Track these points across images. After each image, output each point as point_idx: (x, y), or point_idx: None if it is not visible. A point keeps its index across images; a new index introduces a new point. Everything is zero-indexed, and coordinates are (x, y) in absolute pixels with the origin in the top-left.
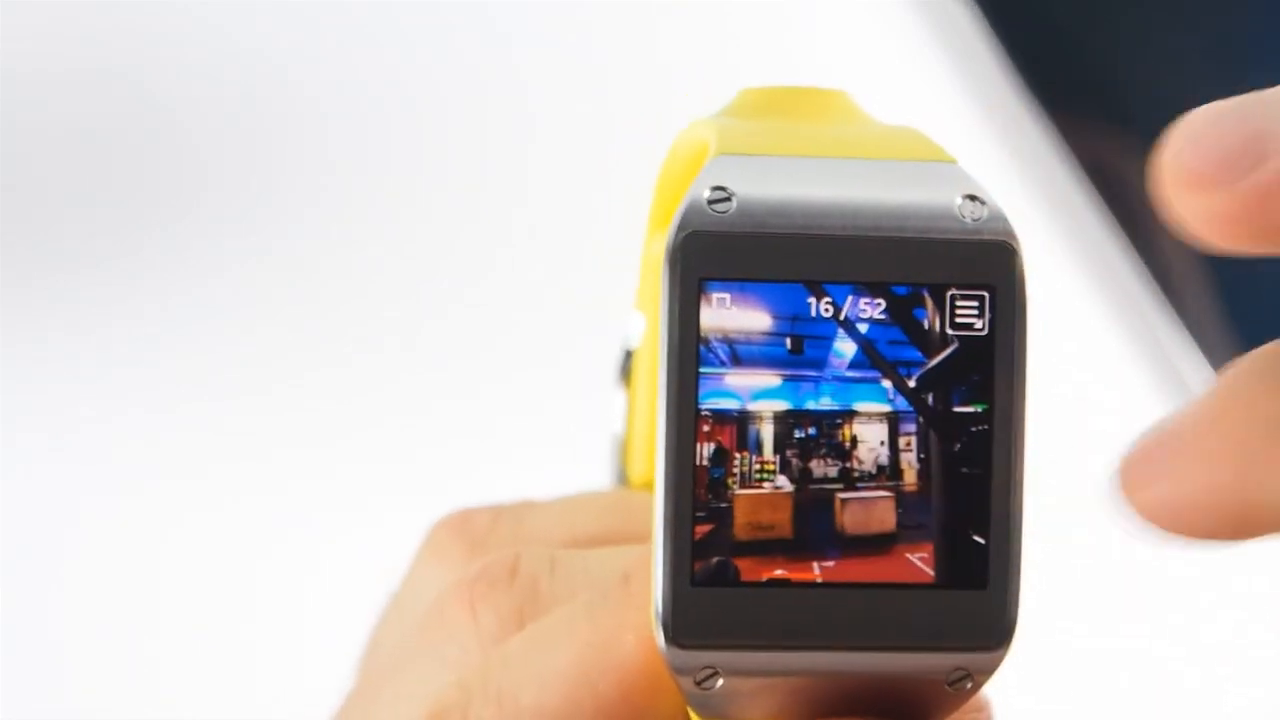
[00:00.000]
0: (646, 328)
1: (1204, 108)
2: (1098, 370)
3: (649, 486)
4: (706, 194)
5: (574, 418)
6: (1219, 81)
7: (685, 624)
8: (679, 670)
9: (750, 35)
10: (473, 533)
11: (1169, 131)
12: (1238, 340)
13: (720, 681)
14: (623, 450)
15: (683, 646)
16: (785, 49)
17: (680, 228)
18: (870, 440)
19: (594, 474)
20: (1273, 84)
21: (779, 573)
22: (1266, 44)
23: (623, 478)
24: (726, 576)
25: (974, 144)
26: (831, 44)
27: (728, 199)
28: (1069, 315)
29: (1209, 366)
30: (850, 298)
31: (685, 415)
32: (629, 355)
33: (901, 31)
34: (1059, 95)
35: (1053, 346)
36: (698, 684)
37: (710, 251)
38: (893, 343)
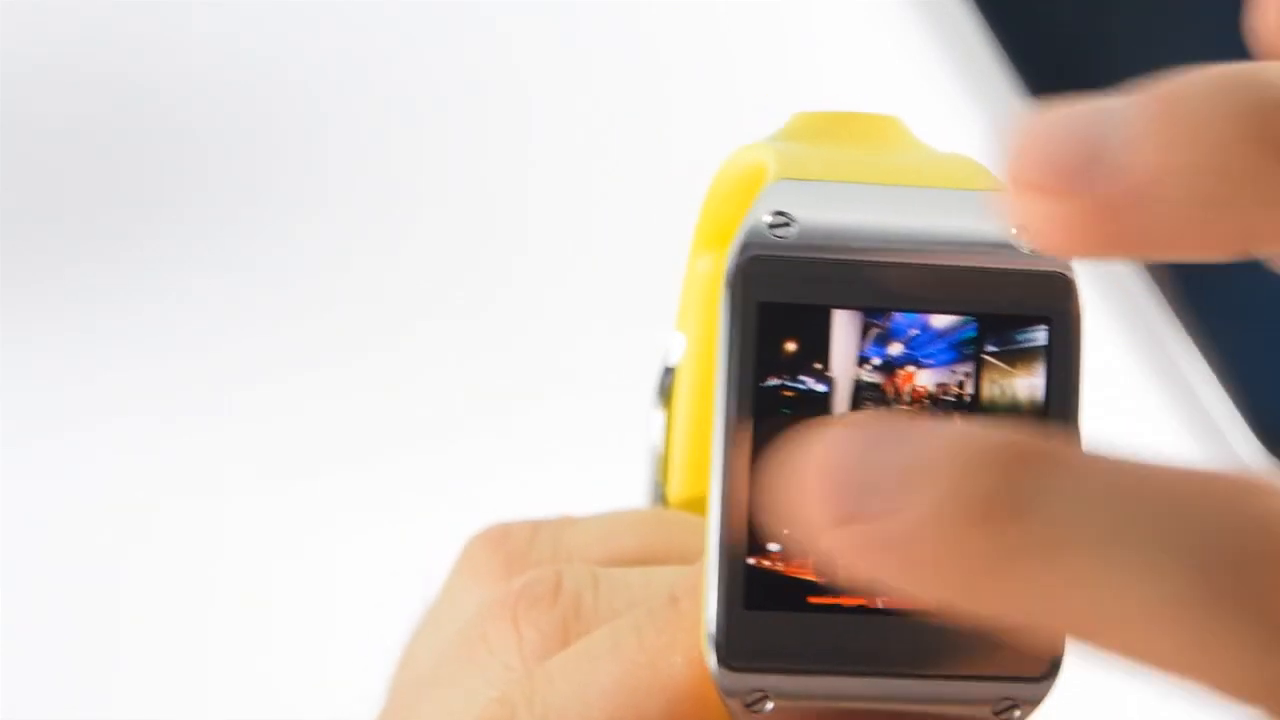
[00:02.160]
0: (687, 347)
1: (1048, 110)
2: (1100, 375)
3: (688, 505)
4: (767, 218)
5: (612, 435)
6: None
7: (737, 646)
8: (729, 692)
9: (752, 39)
10: (511, 548)
11: (1011, 131)
12: (1238, 341)
13: (770, 705)
14: (661, 468)
15: (733, 669)
16: (786, 52)
17: (741, 250)
18: None
19: (630, 492)
20: None
21: (831, 597)
22: None
23: (660, 496)
24: (779, 600)
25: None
26: (831, 46)
27: (788, 223)
28: None
29: (1210, 369)
30: (909, 326)
31: (741, 437)
32: (668, 373)
33: (901, 32)
34: (1059, 96)
35: None
36: (747, 706)
37: (770, 275)
38: (950, 372)
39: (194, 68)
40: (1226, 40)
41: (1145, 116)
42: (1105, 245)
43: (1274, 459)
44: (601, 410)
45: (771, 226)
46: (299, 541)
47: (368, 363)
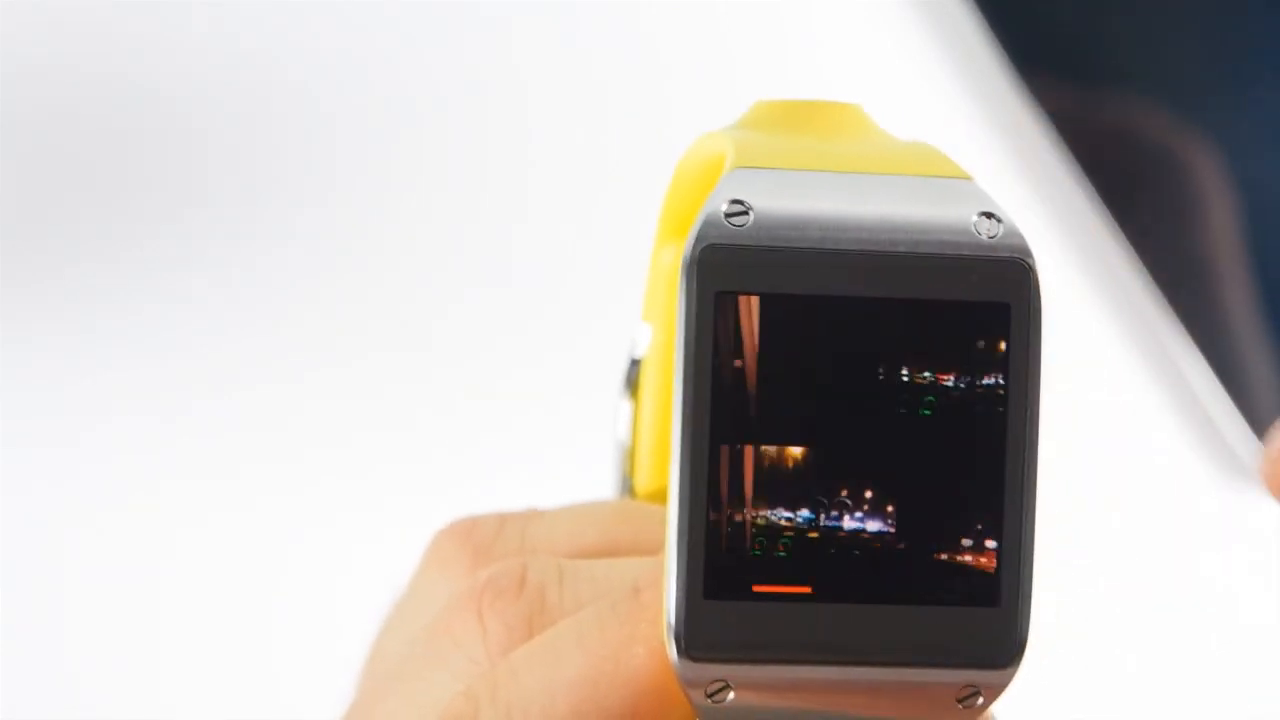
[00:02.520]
0: (654, 337)
1: None
2: (1100, 375)
3: (654, 497)
4: (724, 207)
5: (578, 426)
6: (1220, 80)
7: (698, 637)
8: (690, 683)
9: (750, 37)
10: (478, 541)
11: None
12: (1240, 344)
13: (731, 695)
14: (628, 460)
15: (695, 659)
16: (786, 51)
17: (698, 240)
18: (885, 455)
19: (598, 483)
20: (1273, 84)
21: (791, 586)
22: (1266, 44)
23: (628, 487)
24: (740, 590)
25: (974, 143)
26: (832, 46)
27: (745, 212)
28: (1069, 317)
29: (1212, 372)
30: (866, 314)
31: (700, 427)
32: (635, 365)
33: (901, 32)
34: (1059, 96)
35: (1053, 350)
36: (709, 697)
37: (727, 264)
38: (908, 359)
39: (194, 68)
40: (1226, 40)
41: None
42: None
43: None
44: (570, 402)
45: (728, 215)
46: (279, 541)
47: (349, 364)
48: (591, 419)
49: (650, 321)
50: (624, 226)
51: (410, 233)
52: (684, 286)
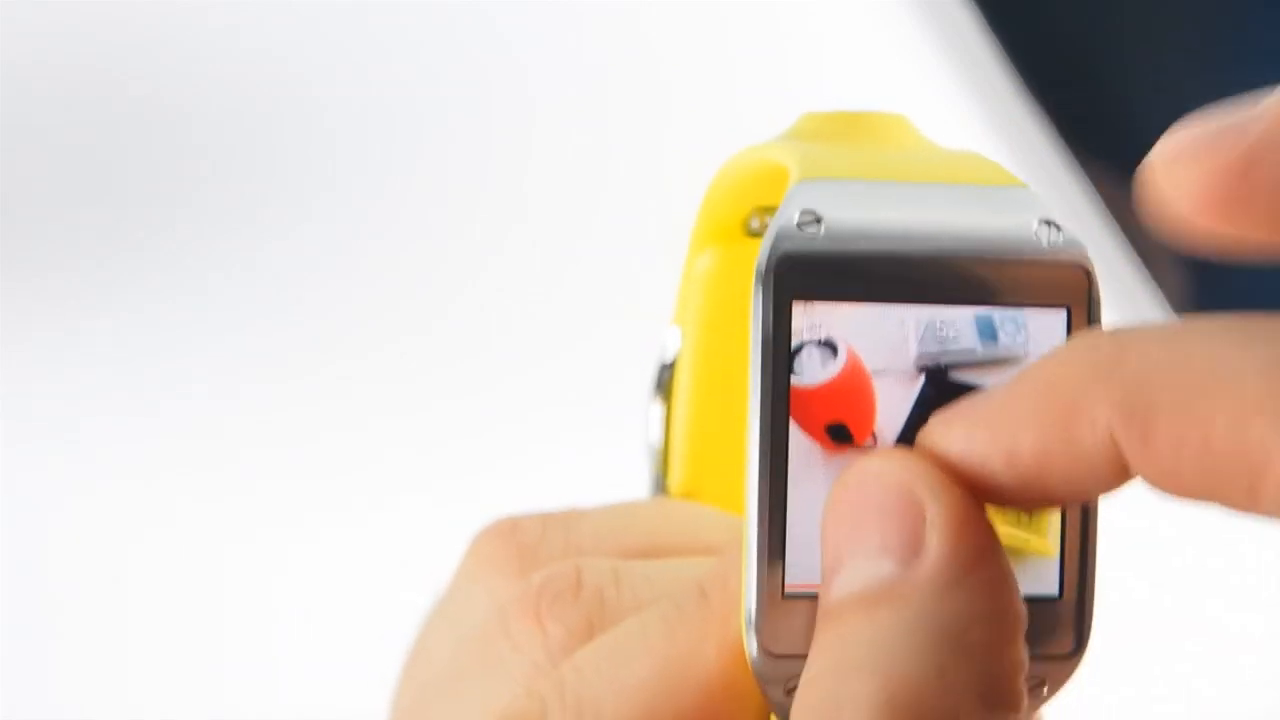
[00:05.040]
0: (686, 341)
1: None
2: None
3: (689, 496)
4: (797, 217)
5: (607, 426)
6: (1220, 79)
7: (777, 633)
8: (768, 680)
9: (752, 40)
10: (522, 541)
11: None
12: None
13: None
14: (660, 460)
15: (774, 655)
16: (786, 52)
17: (773, 249)
18: None
19: (629, 483)
20: (1273, 82)
21: None
22: (1266, 43)
23: (661, 486)
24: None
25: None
26: (832, 45)
27: (817, 221)
28: None
29: None
30: (937, 319)
31: (779, 429)
32: (667, 368)
33: (902, 33)
34: (1059, 96)
35: None
36: (787, 694)
37: (801, 272)
38: (976, 363)
39: (194, 67)
40: (1226, 41)
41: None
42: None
43: None
44: (599, 403)
45: (801, 225)
46: (301, 537)
47: (370, 360)
48: (613, 419)
49: (681, 325)
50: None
51: (416, 221)
52: (760, 294)
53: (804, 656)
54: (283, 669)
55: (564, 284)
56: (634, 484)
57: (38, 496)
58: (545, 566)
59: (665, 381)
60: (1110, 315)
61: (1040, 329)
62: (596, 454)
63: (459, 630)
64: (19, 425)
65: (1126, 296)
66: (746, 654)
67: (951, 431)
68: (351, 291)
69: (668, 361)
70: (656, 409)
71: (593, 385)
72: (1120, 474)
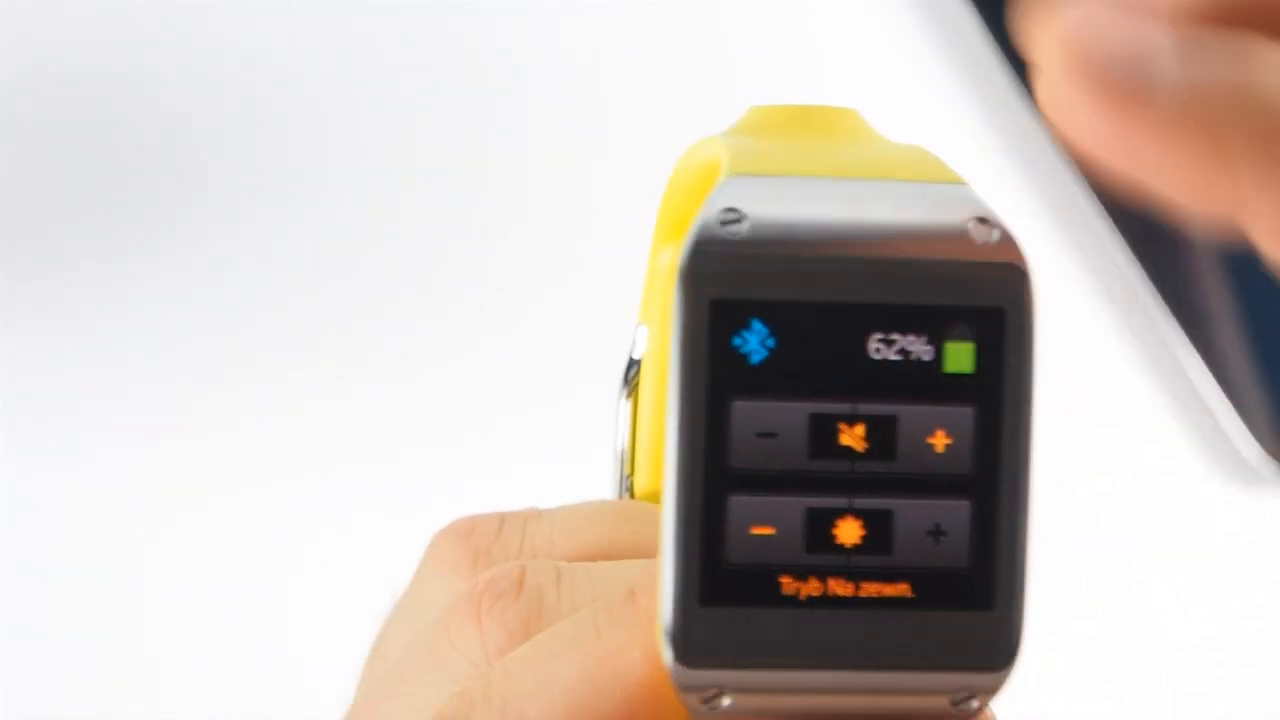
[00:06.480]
0: (650, 340)
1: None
2: (1100, 376)
3: (653, 497)
4: (718, 214)
5: (576, 427)
6: None
7: (693, 642)
8: (685, 688)
9: (750, 39)
10: (478, 542)
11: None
12: (1244, 348)
13: (726, 701)
14: (627, 461)
15: (690, 665)
16: (785, 52)
17: (692, 247)
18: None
19: (596, 482)
20: None
21: (787, 591)
22: None
23: (627, 487)
24: (735, 595)
25: (974, 144)
26: (831, 47)
27: (739, 220)
28: (1069, 319)
29: (1213, 377)
30: (861, 319)
31: (695, 430)
32: (633, 366)
33: (901, 33)
34: None
35: (1051, 351)
36: (704, 702)
37: (722, 272)
38: (904, 363)
39: (193, 67)
40: None
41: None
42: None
43: (1274, 459)
44: (568, 403)
45: (723, 223)
46: (271, 541)
47: (369, 359)
48: (589, 419)
49: (647, 323)
50: (622, 227)
51: (408, 232)
52: (678, 293)
53: (723, 666)
54: (279, 669)
55: (550, 283)
56: (604, 485)
57: (37, 496)
58: (496, 566)
59: (632, 380)
60: (1112, 316)
61: (974, 328)
62: (568, 454)
63: (412, 628)
64: (19, 425)
65: (1126, 296)
66: (663, 662)
67: None
68: (335, 294)
69: (635, 359)
70: (624, 408)
71: (575, 384)
72: (1229, 227)
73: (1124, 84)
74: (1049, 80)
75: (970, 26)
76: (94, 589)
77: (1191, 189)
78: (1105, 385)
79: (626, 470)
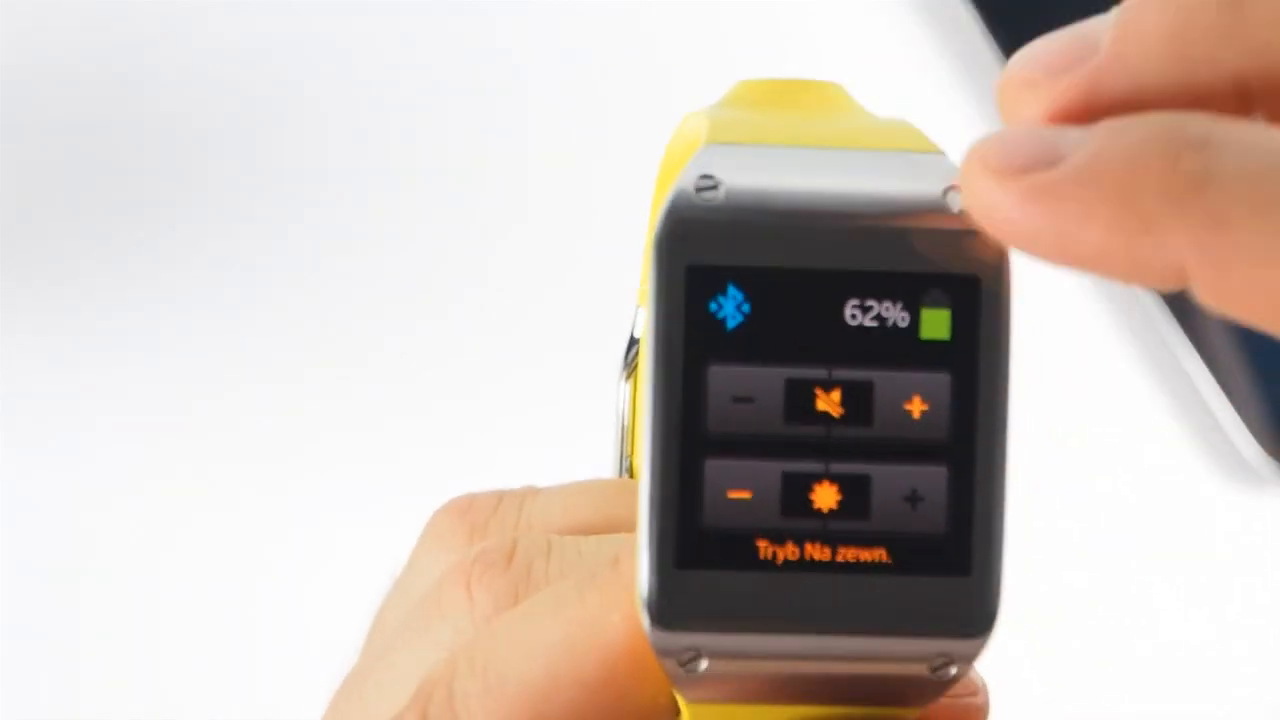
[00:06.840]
0: (647, 320)
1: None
2: (1104, 382)
3: None
4: (694, 182)
5: (579, 408)
6: None
7: (669, 606)
8: (663, 652)
9: (749, 35)
10: (475, 518)
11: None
12: (1244, 348)
13: (704, 664)
14: (627, 440)
15: (667, 628)
16: (785, 52)
17: (667, 215)
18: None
19: (599, 464)
20: None
21: (763, 555)
22: None
23: (627, 467)
24: (712, 558)
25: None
26: (832, 45)
27: (715, 187)
28: (1068, 317)
29: (1213, 377)
30: (838, 285)
31: (671, 395)
32: (634, 345)
33: (901, 31)
34: None
35: (1052, 351)
36: (681, 666)
37: (696, 239)
38: (880, 329)
39: (193, 66)
40: None
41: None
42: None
43: (1274, 460)
44: (571, 385)
45: (698, 190)
46: (271, 540)
47: (368, 358)
48: (589, 420)
49: (645, 304)
50: (622, 225)
51: (407, 232)
52: (653, 260)
53: (699, 629)
54: (279, 663)
55: (550, 283)
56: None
57: (37, 496)
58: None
59: (633, 359)
60: (1111, 316)
61: (949, 295)
62: (571, 433)
63: (407, 601)
64: (19, 425)
65: (1126, 296)
66: (642, 627)
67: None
68: (334, 286)
69: (636, 339)
70: (625, 387)
71: (575, 385)
72: (1176, 284)
73: (1029, 161)
74: (969, 186)
75: (970, 26)
76: (94, 589)
77: (1122, 259)
78: (1105, 385)
79: (626, 449)
